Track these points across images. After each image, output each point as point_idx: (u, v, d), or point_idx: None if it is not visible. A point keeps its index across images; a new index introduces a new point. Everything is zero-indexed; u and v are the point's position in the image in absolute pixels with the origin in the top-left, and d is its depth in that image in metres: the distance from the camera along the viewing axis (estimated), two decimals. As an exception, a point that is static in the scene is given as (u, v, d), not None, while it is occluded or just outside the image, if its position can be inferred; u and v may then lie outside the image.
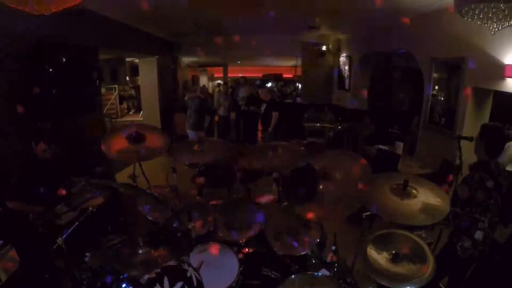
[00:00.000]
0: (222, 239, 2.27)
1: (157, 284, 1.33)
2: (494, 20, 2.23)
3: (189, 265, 1.49)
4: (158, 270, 1.40)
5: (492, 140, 2.25)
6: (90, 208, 2.16)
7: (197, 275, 1.46)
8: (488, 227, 2.12)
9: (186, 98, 8.33)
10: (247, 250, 2.26)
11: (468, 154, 2.74)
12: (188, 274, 1.43)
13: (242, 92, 8.62)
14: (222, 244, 2.19)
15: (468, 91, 3.99)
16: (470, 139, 3.05)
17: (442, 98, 4.68)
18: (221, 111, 8.55)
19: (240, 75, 10.41)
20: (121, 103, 12.63)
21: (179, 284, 1.36)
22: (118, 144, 2.49)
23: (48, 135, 2.79)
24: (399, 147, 5.02)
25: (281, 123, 6.31)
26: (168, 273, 1.39)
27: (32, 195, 2.57)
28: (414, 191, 1.90)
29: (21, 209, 2.57)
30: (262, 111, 6.53)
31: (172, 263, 1.47)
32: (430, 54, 4.77)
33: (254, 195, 2.68)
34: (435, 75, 4.76)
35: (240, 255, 2.14)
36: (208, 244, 2.19)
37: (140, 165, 2.67)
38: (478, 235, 2.13)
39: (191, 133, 6.72)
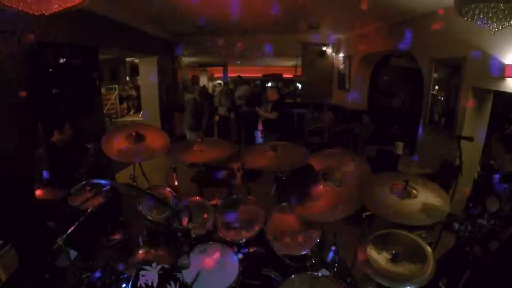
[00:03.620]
0: (222, 239, 2.27)
1: (141, 271, 1.48)
2: (494, 20, 2.23)
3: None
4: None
5: None
6: (90, 208, 2.16)
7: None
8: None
9: (185, 99, 8.35)
10: (248, 249, 2.26)
11: (468, 154, 2.74)
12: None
13: (240, 91, 8.62)
14: (222, 244, 2.19)
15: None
16: (470, 139, 3.05)
17: (442, 98, 4.69)
18: (221, 111, 8.55)
19: (239, 75, 10.40)
20: (121, 103, 12.64)
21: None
22: (118, 144, 2.49)
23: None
24: (399, 147, 5.02)
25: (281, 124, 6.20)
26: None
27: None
28: (414, 191, 1.90)
29: (49, 196, 2.59)
30: (269, 111, 6.27)
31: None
32: (430, 54, 4.77)
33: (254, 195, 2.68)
34: (435, 75, 4.76)
35: (240, 255, 2.14)
36: (208, 244, 2.19)
37: (140, 165, 2.67)
38: (493, 245, 2.10)
39: (189, 134, 6.78)
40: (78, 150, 3.10)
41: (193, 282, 1.78)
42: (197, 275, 1.82)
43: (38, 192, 2.63)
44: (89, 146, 3.15)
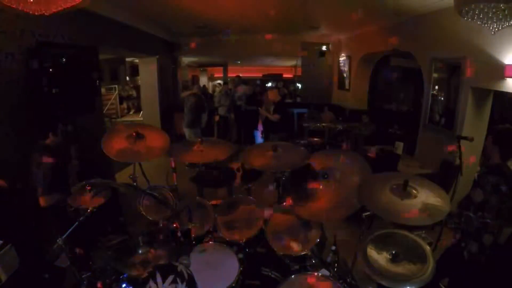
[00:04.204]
0: (222, 239, 2.27)
1: (151, 280, 1.38)
2: (494, 20, 2.23)
3: (180, 263, 1.53)
4: (150, 269, 1.46)
5: (508, 143, 2.22)
6: (90, 208, 2.16)
7: (188, 271, 1.51)
8: (497, 231, 2.10)
9: (181, 96, 8.32)
10: (247, 250, 2.26)
11: (468, 154, 2.74)
12: (179, 269, 1.47)
13: (239, 91, 8.61)
14: (222, 244, 2.20)
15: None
16: (470, 139, 3.05)
17: (442, 98, 4.69)
18: (221, 111, 8.54)
19: (238, 75, 10.41)
20: (121, 103, 12.65)
21: (171, 277, 1.42)
22: (118, 144, 2.48)
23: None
24: (399, 147, 5.01)
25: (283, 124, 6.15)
26: (160, 269, 1.47)
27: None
28: (414, 191, 1.90)
29: (49, 203, 2.57)
30: (271, 113, 6.20)
31: (162, 262, 1.53)
32: (430, 54, 4.77)
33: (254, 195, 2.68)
34: (435, 75, 4.76)
35: (240, 255, 2.14)
36: (208, 244, 2.20)
37: (140, 165, 2.67)
38: (487, 239, 2.10)
39: (187, 131, 6.70)
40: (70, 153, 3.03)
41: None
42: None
43: (41, 201, 2.58)
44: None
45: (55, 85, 3.77)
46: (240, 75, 10.32)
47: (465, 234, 2.22)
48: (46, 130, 2.76)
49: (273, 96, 6.13)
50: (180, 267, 1.51)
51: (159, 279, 1.44)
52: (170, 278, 1.45)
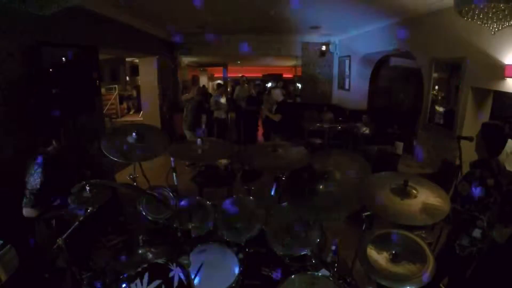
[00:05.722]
0: (222, 239, 2.27)
1: (138, 278, 1.38)
2: (494, 20, 2.23)
3: (178, 265, 1.50)
4: (145, 265, 1.44)
5: (494, 139, 2.25)
6: (90, 208, 2.15)
7: (182, 277, 1.46)
8: (487, 226, 2.12)
9: (182, 98, 8.30)
10: (247, 250, 2.26)
11: (468, 154, 2.75)
12: (171, 274, 1.44)
13: (242, 92, 8.59)
14: (222, 244, 2.19)
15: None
16: (470, 139, 3.06)
17: (442, 98, 4.69)
18: (217, 114, 8.51)
19: (242, 75, 10.42)
20: (121, 103, 12.64)
21: (157, 282, 1.39)
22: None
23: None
24: (399, 147, 5.02)
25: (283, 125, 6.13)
26: (151, 269, 1.45)
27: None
28: (414, 191, 1.90)
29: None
30: (273, 112, 6.21)
31: (160, 261, 1.51)
32: (430, 54, 4.77)
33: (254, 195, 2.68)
34: (435, 75, 4.76)
35: (240, 255, 2.14)
36: (208, 244, 2.19)
37: (140, 165, 2.67)
38: (476, 233, 2.13)
39: (188, 134, 6.71)
40: (74, 160, 2.73)
41: (196, 273, 1.78)
42: (200, 266, 1.82)
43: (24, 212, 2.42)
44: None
45: (55, 85, 3.77)
46: (244, 75, 10.32)
47: (455, 227, 2.24)
48: (49, 136, 2.57)
49: (276, 96, 6.15)
50: (173, 273, 1.46)
51: (145, 280, 1.41)
52: (156, 282, 1.41)
